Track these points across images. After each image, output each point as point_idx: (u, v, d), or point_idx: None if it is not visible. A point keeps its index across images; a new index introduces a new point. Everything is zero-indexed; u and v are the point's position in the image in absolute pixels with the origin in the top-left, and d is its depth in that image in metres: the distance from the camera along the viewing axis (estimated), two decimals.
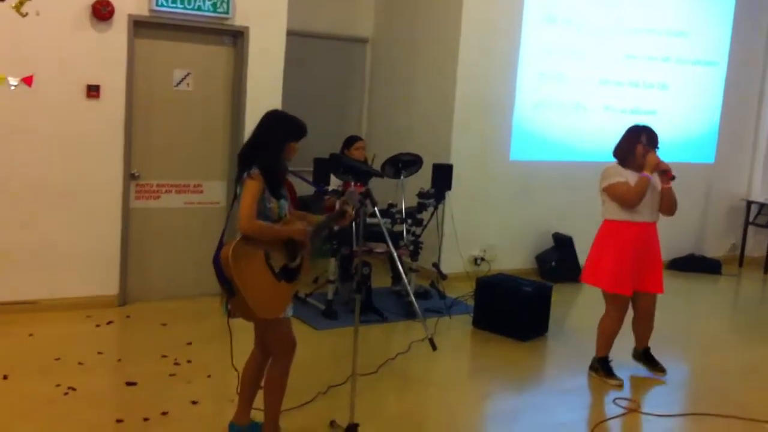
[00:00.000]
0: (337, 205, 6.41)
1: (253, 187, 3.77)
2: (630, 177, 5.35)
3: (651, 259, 5.51)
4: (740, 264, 10.04)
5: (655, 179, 5.38)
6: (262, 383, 4.15)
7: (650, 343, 5.84)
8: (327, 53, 8.95)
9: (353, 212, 4.19)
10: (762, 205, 9.99)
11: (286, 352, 4.07)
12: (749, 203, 10.06)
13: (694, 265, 9.29)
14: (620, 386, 5.52)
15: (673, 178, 5.36)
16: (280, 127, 3.95)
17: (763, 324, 7.69)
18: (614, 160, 5.56)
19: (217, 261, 3.78)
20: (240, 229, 3.75)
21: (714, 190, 9.73)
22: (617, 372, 5.61)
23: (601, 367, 5.63)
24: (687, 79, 9.50)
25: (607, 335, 5.63)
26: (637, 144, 5.37)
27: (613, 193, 5.37)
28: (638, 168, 5.35)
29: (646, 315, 5.71)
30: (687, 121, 9.44)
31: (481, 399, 5.29)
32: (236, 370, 4.36)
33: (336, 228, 6.33)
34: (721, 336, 7.22)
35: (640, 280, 5.48)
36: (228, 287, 3.76)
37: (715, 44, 9.66)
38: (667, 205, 5.46)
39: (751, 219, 10.05)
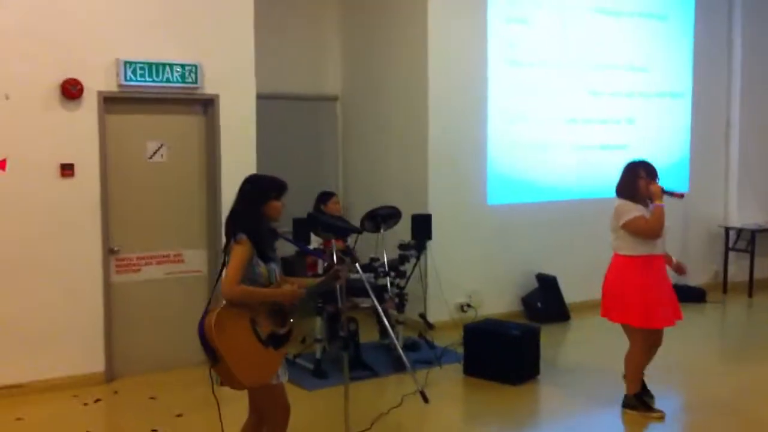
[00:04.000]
0: (320, 265, 6.47)
1: (240, 252, 3.78)
2: (643, 211, 5.43)
3: (667, 291, 5.57)
4: (724, 290, 10.08)
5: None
6: None
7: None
8: (298, 113, 9.03)
9: (346, 272, 4.20)
10: (740, 230, 10.08)
11: (280, 418, 4.03)
12: (727, 229, 10.15)
13: (679, 294, 9.28)
14: (662, 418, 5.52)
15: (682, 196, 5.61)
16: (256, 188, 4.00)
17: (754, 348, 7.70)
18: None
19: (201, 329, 3.76)
20: (222, 294, 3.74)
21: (691, 218, 9.80)
22: (606, 407, 5.55)
23: (639, 403, 5.61)
24: (653, 111, 9.64)
25: (637, 371, 5.63)
26: (638, 179, 5.50)
27: (635, 227, 5.39)
28: (644, 201, 5.46)
29: (654, 347, 5.73)
30: (658, 152, 9.52)
31: None
32: None
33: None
34: (712, 364, 7.22)
35: (665, 312, 5.51)
36: (212, 355, 3.74)
37: (678, 76, 9.84)
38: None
39: (731, 245, 10.12)
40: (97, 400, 6.03)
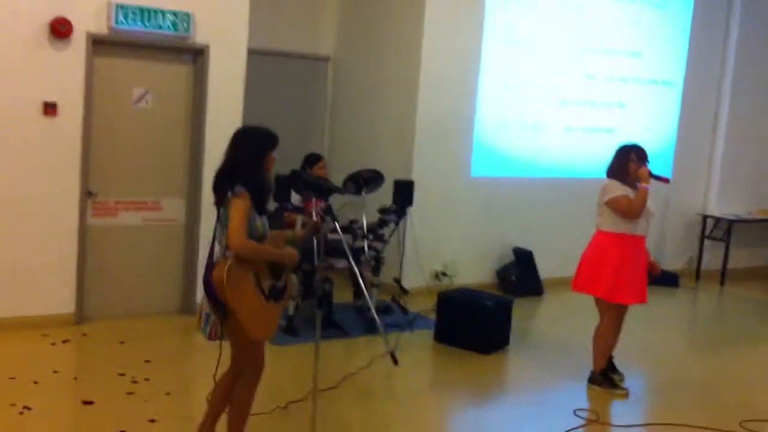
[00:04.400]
0: (298, 223, 6.47)
1: (241, 205, 3.73)
2: (629, 191, 5.55)
3: (641, 271, 5.68)
4: (697, 277, 10.19)
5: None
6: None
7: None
8: (288, 71, 8.95)
9: (326, 227, 4.19)
10: (717, 219, 10.17)
11: (256, 373, 4.05)
12: (705, 218, 10.23)
13: (652, 278, 9.41)
14: (626, 396, 5.65)
15: (668, 181, 5.74)
16: (256, 141, 3.93)
17: (721, 335, 7.82)
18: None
19: (209, 283, 3.75)
20: (232, 249, 3.70)
21: (671, 205, 9.86)
22: (575, 383, 5.65)
23: (605, 380, 5.72)
24: (644, 98, 9.65)
25: (606, 347, 5.73)
26: (629, 162, 5.61)
27: (617, 205, 5.52)
28: (633, 185, 5.57)
29: (619, 326, 5.81)
30: (644, 138, 9.51)
31: (444, 413, 5.31)
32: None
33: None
34: (680, 348, 7.34)
35: (633, 291, 5.63)
36: (221, 309, 3.74)
37: (671, 64, 9.84)
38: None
39: (707, 233, 10.22)
40: (66, 341, 6.02)
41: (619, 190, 5.55)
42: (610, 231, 5.59)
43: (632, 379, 5.96)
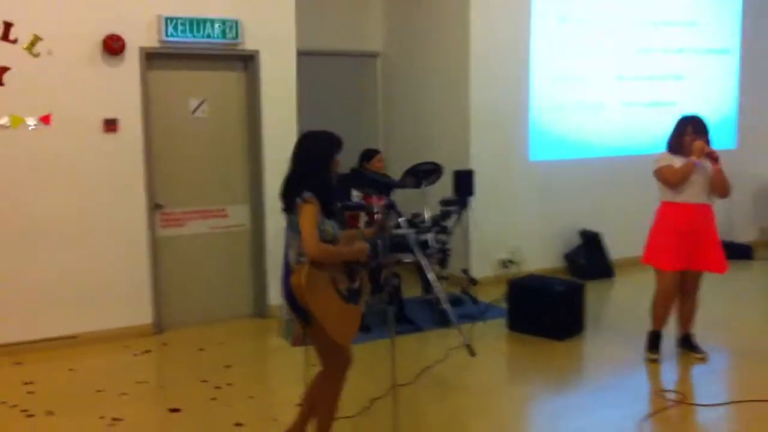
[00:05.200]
0: (361, 220, 6.46)
1: (311, 211, 3.73)
2: (678, 163, 5.59)
3: (705, 240, 5.65)
4: None
5: (707, 164, 5.56)
6: None
7: (693, 329, 5.87)
8: (338, 70, 8.98)
9: (391, 224, 4.15)
10: None
11: (342, 371, 4.04)
12: None
13: (725, 251, 9.18)
14: (653, 361, 5.67)
15: (716, 159, 5.55)
16: (323, 146, 3.93)
17: None
18: (652, 152, 5.87)
19: (288, 291, 3.77)
20: (308, 254, 3.69)
21: (739, 175, 9.54)
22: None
23: (647, 338, 5.80)
24: (702, 68, 9.43)
25: (654, 311, 5.78)
26: (684, 135, 5.61)
27: (659, 175, 5.67)
28: (689, 156, 5.57)
29: (691, 298, 5.81)
30: (706, 109, 9.32)
31: (523, 402, 5.23)
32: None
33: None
34: (759, 322, 7.11)
35: (692, 259, 5.63)
36: (303, 316, 3.75)
37: (726, 32, 9.58)
38: (719, 185, 5.63)
39: None
40: (147, 351, 6.14)
41: (665, 160, 5.64)
42: (665, 200, 5.70)
43: (714, 355, 5.83)
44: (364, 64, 9.20)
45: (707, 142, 5.56)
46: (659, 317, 5.77)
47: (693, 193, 5.57)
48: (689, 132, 5.59)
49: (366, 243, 3.99)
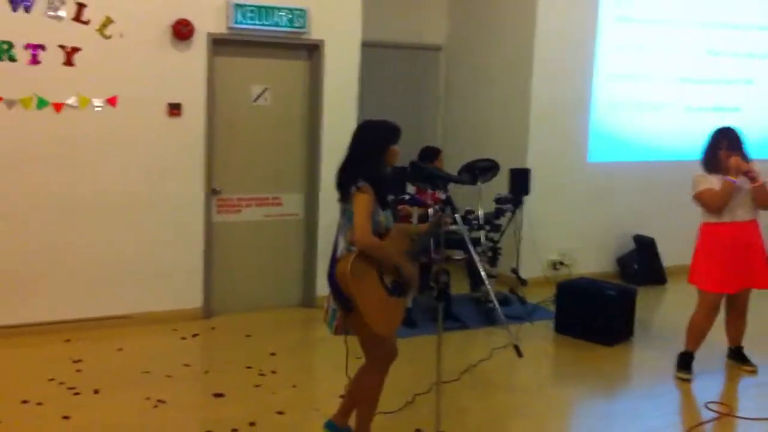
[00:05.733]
0: (414, 216, 6.47)
1: (365, 200, 3.73)
2: (716, 183, 5.41)
3: (753, 257, 5.52)
4: None
5: (743, 180, 5.39)
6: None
7: (743, 342, 5.79)
8: (401, 62, 8.98)
9: (448, 221, 4.17)
10: None
11: (386, 364, 4.08)
12: None
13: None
14: (684, 380, 5.54)
15: (755, 179, 5.38)
16: (379, 134, 3.95)
17: None
18: (698, 159, 5.64)
19: (333, 278, 3.80)
20: (356, 244, 3.73)
21: None
22: (706, 374, 5.52)
23: (678, 358, 5.66)
24: None
25: (692, 331, 5.65)
26: (719, 150, 5.45)
27: (700, 200, 5.51)
28: (725, 172, 5.39)
29: (740, 315, 5.70)
30: None
31: (568, 405, 5.22)
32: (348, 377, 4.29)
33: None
34: None
35: (741, 278, 5.50)
36: (346, 304, 3.78)
37: None
38: (762, 201, 5.48)
39: None
40: (195, 335, 6.25)
41: (704, 183, 5.46)
42: (703, 221, 5.58)
43: (764, 368, 5.75)
44: (427, 57, 9.19)
45: (743, 156, 5.40)
46: (695, 338, 5.63)
47: (734, 212, 5.42)
48: (724, 146, 5.42)
49: (415, 271, 3.98)
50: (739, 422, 4.90)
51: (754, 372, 5.66)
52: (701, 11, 8.67)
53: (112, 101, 6.15)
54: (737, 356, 5.79)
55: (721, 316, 5.66)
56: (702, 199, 5.48)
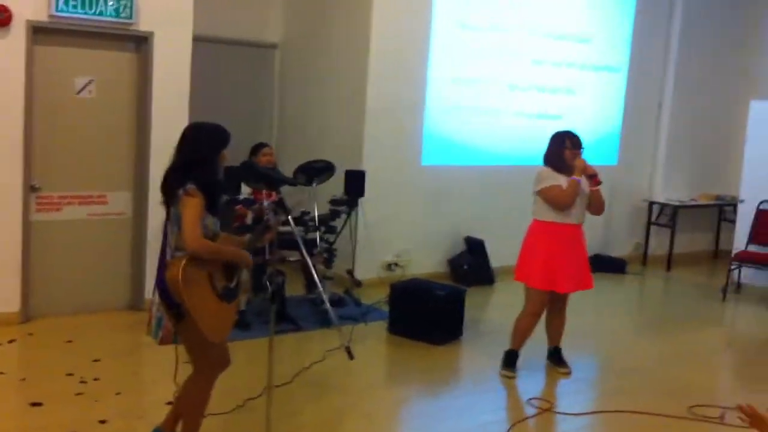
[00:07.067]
0: (248, 216, 6.36)
1: (194, 204, 3.61)
2: (562, 181, 5.54)
3: (577, 259, 5.70)
4: (644, 263, 10.36)
5: (584, 182, 5.58)
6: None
7: (562, 342, 6.00)
8: (235, 59, 8.81)
9: (277, 226, 4.11)
10: (663, 206, 10.33)
11: (215, 372, 3.97)
12: (651, 204, 10.39)
13: (600, 264, 9.52)
14: (508, 377, 5.72)
15: (599, 183, 5.61)
16: (209, 139, 3.83)
17: (668, 319, 7.95)
18: (538, 164, 5.76)
19: (162, 283, 3.65)
20: (188, 249, 3.60)
21: (617, 191, 9.98)
22: (529, 371, 5.73)
23: (504, 357, 5.81)
24: (591, 84, 9.73)
25: (517, 331, 5.80)
26: (564, 149, 5.58)
27: (547, 195, 5.57)
28: (570, 172, 5.55)
29: (560, 314, 5.89)
30: (591, 124, 9.66)
31: (399, 404, 5.29)
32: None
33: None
34: (629, 333, 7.44)
35: (575, 279, 5.68)
36: (176, 310, 3.64)
37: (617, 51, 9.93)
38: (596, 206, 5.70)
39: (653, 219, 10.38)
40: (12, 341, 5.86)
41: (551, 179, 5.56)
42: (542, 220, 5.64)
43: (582, 365, 6.05)
44: (262, 55, 9.08)
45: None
46: (520, 338, 5.79)
47: (570, 213, 5.57)
48: (569, 146, 5.57)
49: (248, 252, 3.93)
50: (558, 417, 5.13)
51: (567, 374, 5.90)
52: (529, 21, 9.02)
53: None
54: (555, 358, 5.98)
55: (543, 316, 5.87)
56: (549, 194, 5.53)
